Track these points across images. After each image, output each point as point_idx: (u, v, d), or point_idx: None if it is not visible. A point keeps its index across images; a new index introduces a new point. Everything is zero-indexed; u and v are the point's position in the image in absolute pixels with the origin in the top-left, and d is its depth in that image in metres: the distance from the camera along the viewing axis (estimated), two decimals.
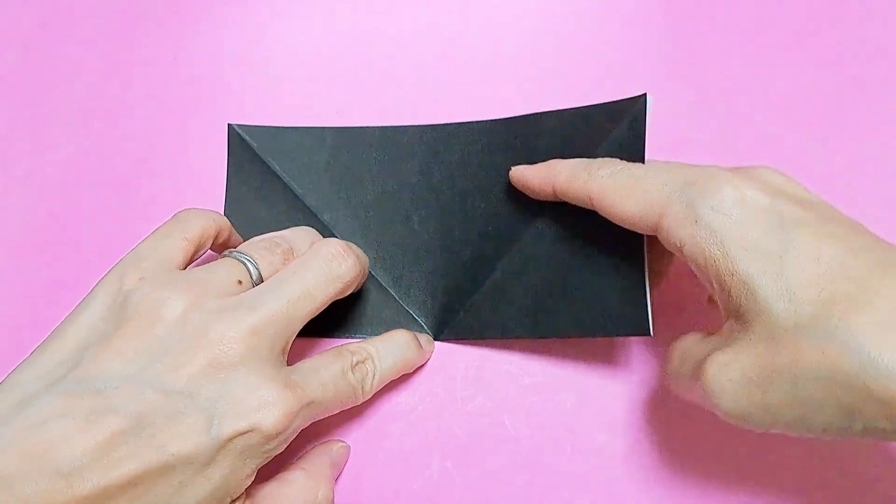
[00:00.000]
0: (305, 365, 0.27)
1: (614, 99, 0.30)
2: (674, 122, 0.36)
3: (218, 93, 0.37)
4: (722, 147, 0.35)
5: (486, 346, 0.32)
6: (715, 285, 0.24)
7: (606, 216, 0.27)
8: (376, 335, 0.31)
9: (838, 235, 0.23)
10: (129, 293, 0.25)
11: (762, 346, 0.22)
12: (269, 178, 0.35)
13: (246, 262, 0.27)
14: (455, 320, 0.33)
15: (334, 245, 0.28)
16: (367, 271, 0.31)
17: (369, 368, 0.29)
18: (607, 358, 0.32)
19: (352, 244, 0.29)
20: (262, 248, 0.28)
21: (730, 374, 0.23)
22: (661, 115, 0.33)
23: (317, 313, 0.27)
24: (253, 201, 0.34)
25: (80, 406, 0.22)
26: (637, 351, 0.32)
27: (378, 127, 0.35)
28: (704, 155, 0.34)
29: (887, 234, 0.24)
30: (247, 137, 0.35)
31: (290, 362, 0.27)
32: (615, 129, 0.30)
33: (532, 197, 0.31)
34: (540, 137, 0.32)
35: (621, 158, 0.28)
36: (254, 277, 0.27)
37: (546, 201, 0.31)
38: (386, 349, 0.30)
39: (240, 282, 0.26)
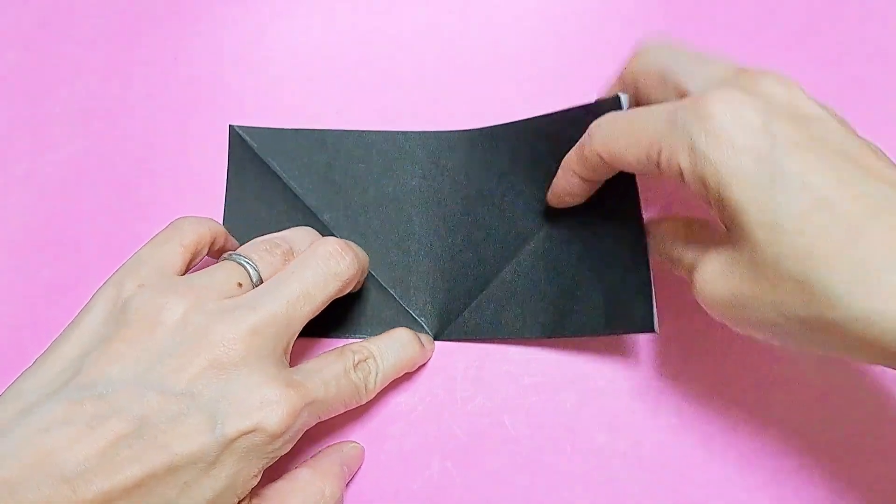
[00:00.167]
0: (307, 366, 0.27)
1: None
2: None
3: (218, 93, 0.37)
4: None
5: (486, 346, 0.32)
6: (714, 208, 0.24)
7: (621, 167, 0.27)
8: (377, 335, 0.31)
9: (831, 163, 0.22)
10: (129, 299, 0.25)
11: (747, 270, 0.23)
12: (270, 178, 0.35)
13: (245, 264, 0.27)
14: (457, 321, 0.33)
15: (332, 243, 0.28)
16: (366, 269, 0.31)
17: (371, 367, 0.29)
18: (607, 358, 0.32)
19: (350, 242, 0.29)
20: (261, 250, 0.28)
21: (717, 287, 0.24)
22: None
23: (317, 312, 0.27)
24: (253, 202, 0.34)
25: (83, 411, 0.22)
26: (637, 351, 0.32)
27: (380, 131, 0.35)
28: None
29: None
30: (247, 138, 0.35)
31: (291, 364, 0.27)
32: None
33: (571, 201, 0.31)
34: (538, 140, 0.32)
35: None
36: (254, 279, 0.27)
37: (551, 207, 0.31)
38: (387, 347, 0.30)
39: (240, 284, 0.26)
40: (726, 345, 0.32)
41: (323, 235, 0.30)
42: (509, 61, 0.38)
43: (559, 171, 0.30)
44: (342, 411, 0.28)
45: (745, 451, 0.30)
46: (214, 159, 0.36)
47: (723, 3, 0.38)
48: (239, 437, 0.23)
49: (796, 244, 0.21)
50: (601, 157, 0.27)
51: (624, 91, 0.29)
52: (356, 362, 0.28)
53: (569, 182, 0.29)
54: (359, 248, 0.30)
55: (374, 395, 0.29)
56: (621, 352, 0.32)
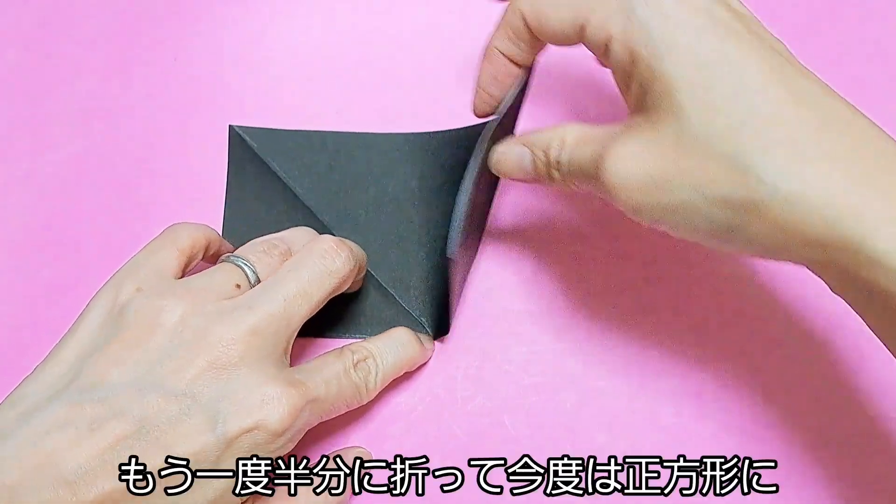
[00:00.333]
0: (307, 365, 0.27)
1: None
2: None
3: (218, 93, 0.37)
4: None
5: (487, 346, 0.32)
6: (633, 84, 0.24)
7: (542, 33, 0.26)
8: (377, 335, 0.31)
9: (766, 54, 0.22)
10: (127, 302, 0.25)
11: (670, 149, 0.22)
12: (270, 178, 0.35)
13: (243, 266, 0.27)
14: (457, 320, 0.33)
15: (327, 241, 0.28)
16: (364, 266, 0.31)
17: (371, 366, 0.29)
18: (607, 358, 0.32)
19: (346, 240, 0.29)
20: (259, 252, 0.28)
21: (632, 168, 0.23)
22: None
23: (316, 310, 0.27)
24: (253, 202, 0.35)
25: (83, 414, 0.22)
26: (637, 351, 0.32)
27: (380, 133, 0.35)
28: None
29: None
30: (247, 138, 0.35)
31: (292, 364, 0.27)
32: None
33: (491, 96, 0.29)
34: None
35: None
36: (252, 281, 0.27)
37: None
38: (387, 347, 0.30)
39: (238, 286, 0.26)
40: (726, 345, 0.32)
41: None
42: None
43: (483, 56, 0.29)
44: (343, 411, 0.28)
45: (746, 451, 0.30)
46: (214, 159, 0.36)
47: None
48: (240, 435, 0.23)
49: (731, 122, 0.21)
50: (525, 20, 0.26)
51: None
52: (356, 362, 0.28)
53: (491, 63, 0.28)
54: (355, 245, 0.30)
55: (374, 395, 0.29)
56: (621, 353, 0.32)
